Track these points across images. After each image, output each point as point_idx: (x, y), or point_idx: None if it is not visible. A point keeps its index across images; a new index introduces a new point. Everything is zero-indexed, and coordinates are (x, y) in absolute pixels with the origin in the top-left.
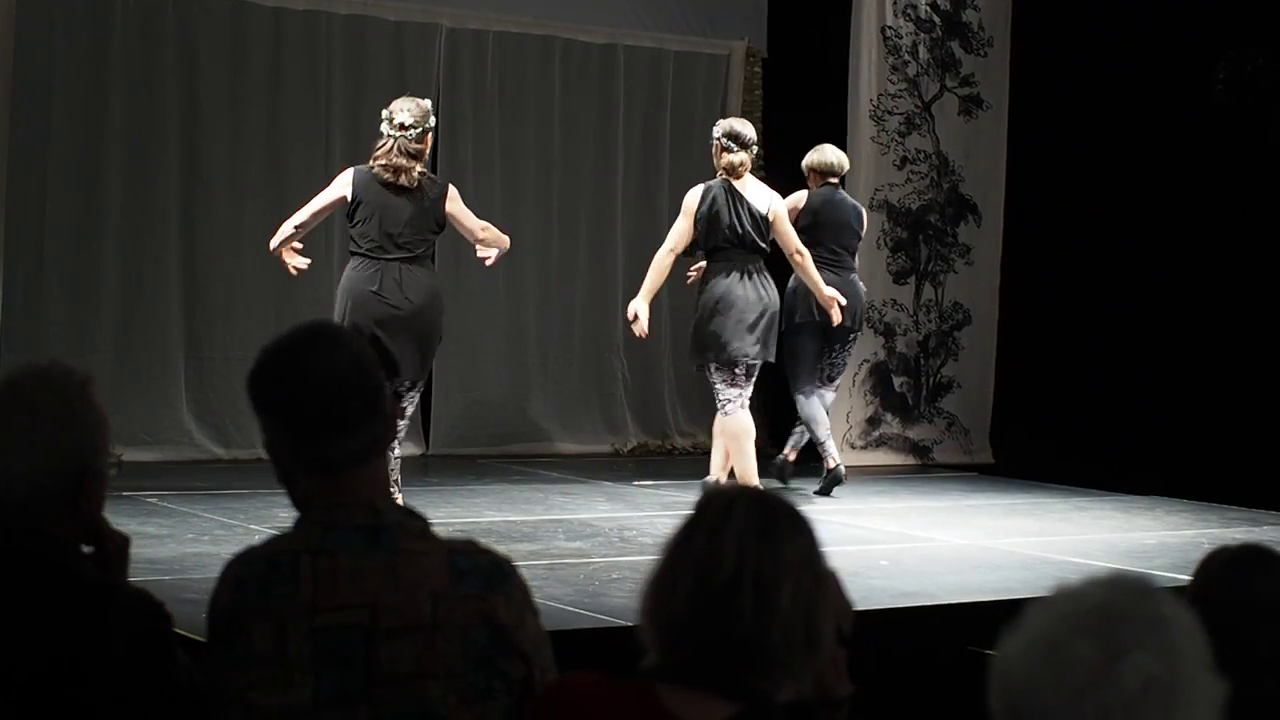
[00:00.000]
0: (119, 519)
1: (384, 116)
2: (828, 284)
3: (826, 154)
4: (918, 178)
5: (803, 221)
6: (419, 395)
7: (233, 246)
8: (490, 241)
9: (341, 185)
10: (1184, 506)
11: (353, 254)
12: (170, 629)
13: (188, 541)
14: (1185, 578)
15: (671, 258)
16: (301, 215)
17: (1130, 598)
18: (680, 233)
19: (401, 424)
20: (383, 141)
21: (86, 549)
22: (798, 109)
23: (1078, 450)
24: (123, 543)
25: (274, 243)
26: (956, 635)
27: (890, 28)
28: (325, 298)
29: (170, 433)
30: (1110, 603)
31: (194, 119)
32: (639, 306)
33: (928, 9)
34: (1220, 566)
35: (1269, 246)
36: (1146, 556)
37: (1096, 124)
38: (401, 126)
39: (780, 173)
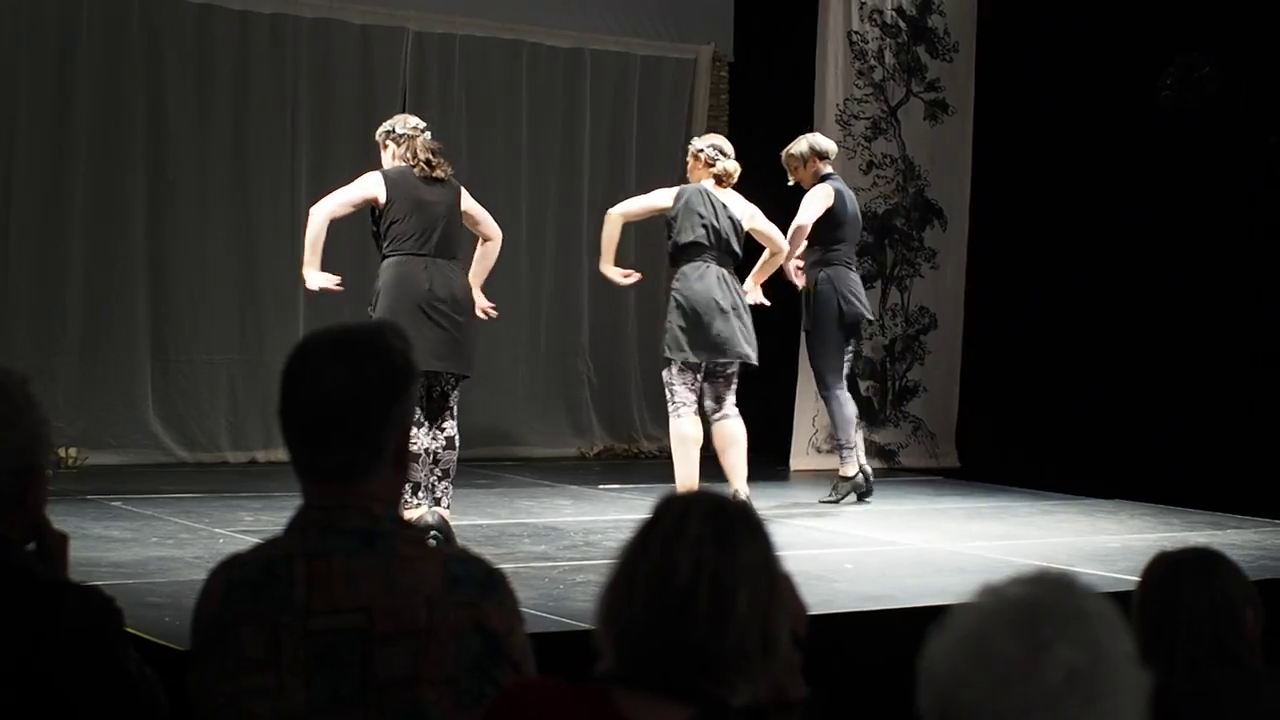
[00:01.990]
0: (84, 522)
1: (390, 129)
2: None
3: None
4: (884, 182)
5: (829, 220)
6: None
7: (199, 249)
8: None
9: (374, 185)
10: (1147, 510)
11: (392, 254)
12: (122, 624)
13: (152, 545)
14: None
15: (620, 222)
16: (330, 205)
17: (1052, 593)
18: (638, 206)
19: (452, 422)
20: (395, 146)
21: (29, 547)
22: (764, 113)
23: (1042, 454)
24: (63, 540)
25: (312, 271)
26: (920, 639)
27: (856, 33)
28: (289, 300)
29: (135, 436)
30: (1033, 598)
31: (160, 121)
32: (611, 273)
33: (894, 14)
34: (1160, 569)
35: (1234, 252)
36: (1110, 560)
37: (1062, 129)
38: (416, 129)
39: (745, 177)
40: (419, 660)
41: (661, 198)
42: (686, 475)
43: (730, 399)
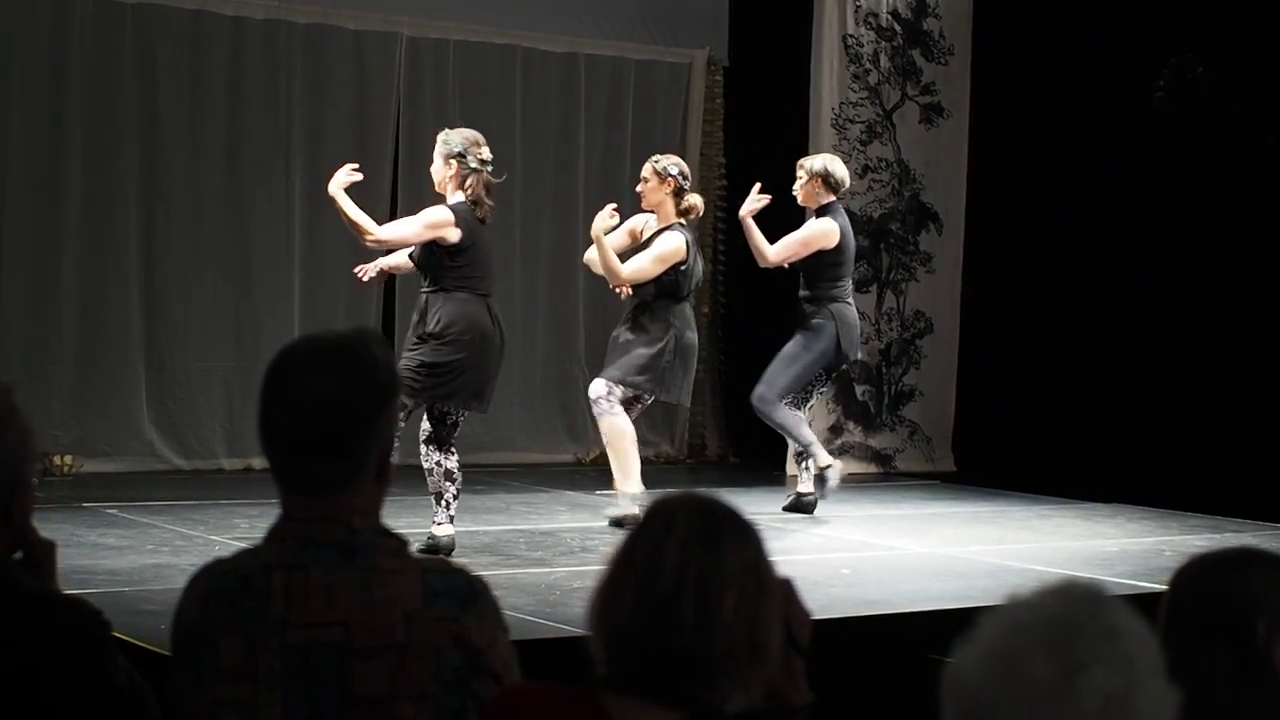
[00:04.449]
0: (79, 530)
1: (462, 149)
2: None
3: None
4: (879, 186)
5: (835, 258)
6: None
7: (193, 257)
8: None
9: (449, 226)
10: (1145, 514)
11: (461, 289)
12: (109, 635)
13: (148, 553)
14: (1146, 584)
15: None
16: (396, 239)
17: (1083, 608)
18: (644, 274)
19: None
20: (472, 177)
21: (16, 556)
22: (759, 118)
23: (1039, 458)
24: (50, 549)
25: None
26: (918, 643)
27: (852, 36)
28: (284, 306)
29: (131, 444)
30: (1064, 615)
31: (153, 129)
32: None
33: (889, 17)
34: (1187, 572)
35: (1229, 254)
36: (1108, 564)
37: (1057, 132)
38: (483, 162)
39: (741, 182)
40: (397, 676)
41: (674, 254)
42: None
43: None
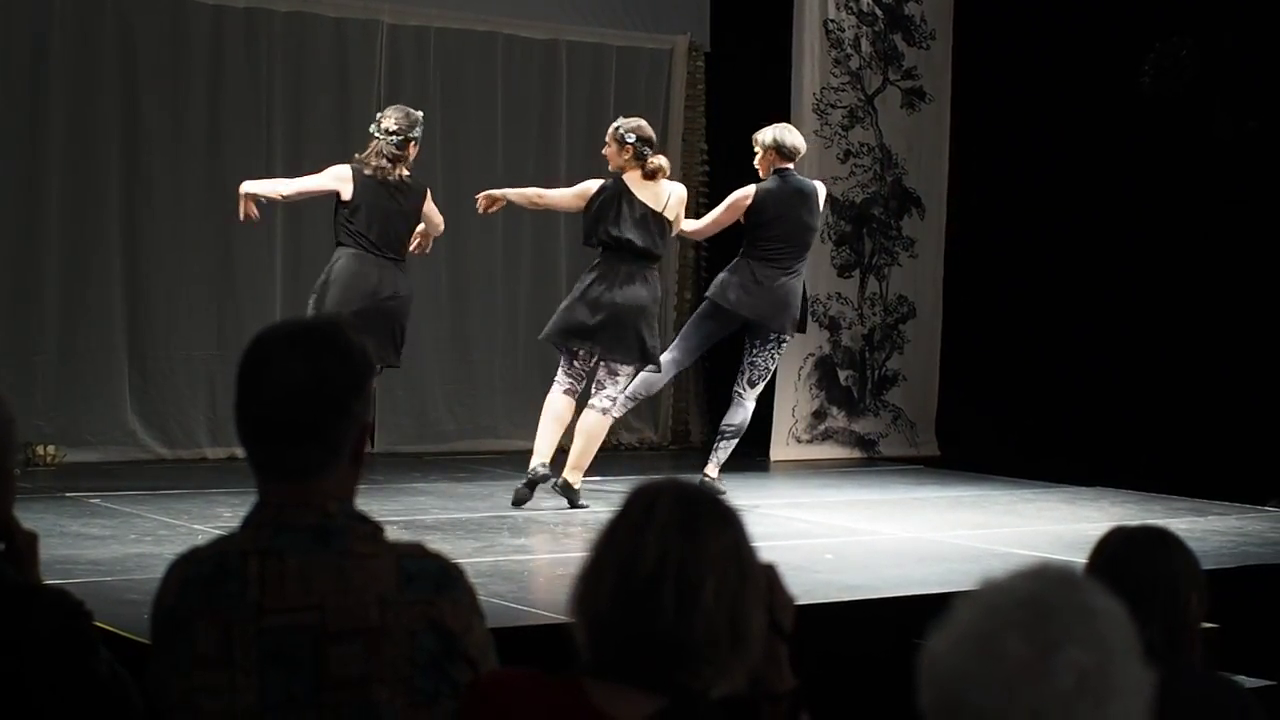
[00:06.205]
0: (62, 520)
1: (376, 120)
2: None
3: (792, 135)
4: (861, 171)
5: (751, 220)
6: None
7: (175, 245)
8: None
9: (340, 180)
10: (1129, 497)
11: (344, 244)
12: (91, 626)
13: (130, 542)
14: None
15: (540, 200)
16: (288, 188)
17: (1058, 589)
18: (563, 199)
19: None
20: (372, 144)
21: None
22: (741, 103)
23: (1023, 442)
24: (31, 540)
25: (251, 188)
26: (901, 628)
27: (833, 21)
28: (266, 295)
29: (114, 433)
30: (1038, 595)
31: (134, 117)
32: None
33: (870, 2)
34: (1112, 544)
35: (1212, 237)
36: (1091, 547)
37: (1039, 116)
38: (387, 131)
39: (723, 167)
40: (372, 659)
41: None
42: (542, 449)
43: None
